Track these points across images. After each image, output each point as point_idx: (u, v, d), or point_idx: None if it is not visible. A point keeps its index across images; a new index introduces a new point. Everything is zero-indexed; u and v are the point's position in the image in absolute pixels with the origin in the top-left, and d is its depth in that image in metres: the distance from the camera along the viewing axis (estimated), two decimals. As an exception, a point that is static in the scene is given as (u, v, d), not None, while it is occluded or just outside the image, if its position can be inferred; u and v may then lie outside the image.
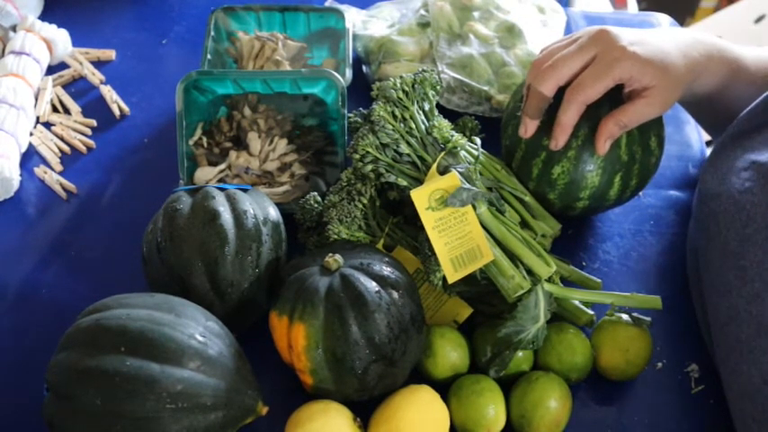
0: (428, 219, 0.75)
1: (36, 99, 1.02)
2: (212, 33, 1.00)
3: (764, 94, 0.79)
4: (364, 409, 0.73)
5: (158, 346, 0.65)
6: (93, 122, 1.02)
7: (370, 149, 0.79)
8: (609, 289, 0.84)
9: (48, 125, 1.02)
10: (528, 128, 0.80)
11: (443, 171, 0.78)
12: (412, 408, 0.72)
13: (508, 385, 0.76)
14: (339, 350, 0.69)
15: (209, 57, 0.97)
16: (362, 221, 0.81)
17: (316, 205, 0.83)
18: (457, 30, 1.02)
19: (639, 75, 0.75)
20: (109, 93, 1.05)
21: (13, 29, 1.07)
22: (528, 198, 0.83)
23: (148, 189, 0.93)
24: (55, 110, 1.04)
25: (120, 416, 0.63)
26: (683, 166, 0.99)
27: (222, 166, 0.90)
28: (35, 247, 0.90)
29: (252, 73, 0.94)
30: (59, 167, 0.97)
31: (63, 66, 1.08)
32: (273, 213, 0.79)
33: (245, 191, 0.80)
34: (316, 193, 0.84)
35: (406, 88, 0.80)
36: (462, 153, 0.81)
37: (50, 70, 1.07)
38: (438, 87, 0.83)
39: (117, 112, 1.03)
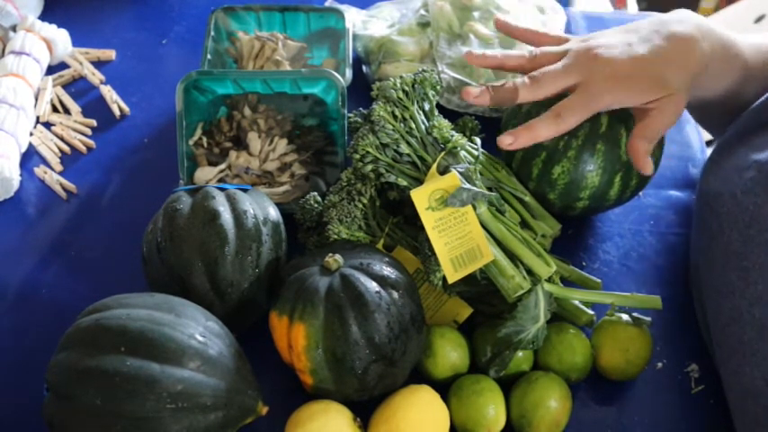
0: (428, 219, 0.75)
1: (36, 99, 1.02)
2: (212, 33, 1.00)
3: (766, 94, 0.78)
4: (364, 409, 0.73)
5: (158, 346, 0.65)
6: (93, 122, 1.02)
7: (370, 149, 0.79)
8: (609, 289, 0.84)
9: (48, 125, 1.02)
10: (480, 99, 0.78)
11: (443, 171, 0.78)
12: (412, 408, 0.72)
13: (508, 385, 0.76)
14: (339, 350, 0.69)
15: (209, 57, 0.97)
16: (362, 221, 0.81)
17: (316, 205, 0.83)
18: (457, 30, 1.02)
19: (626, 103, 0.76)
20: (109, 93, 1.05)
21: (13, 29, 1.07)
22: (528, 198, 0.83)
23: (148, 189, 0.93)
24: (55, 110, 1.04)
25: (120, 416, 0.63)
26: (683, 166, 0.99)
27: (222, 166, 0.90)
28: (35, 247, 0.90)
29: (252, 73, 0.94)
30: (59, 167, 0.97)
31: (63, 66, 1.08)
32: (273, 213, 0.79)
33: (245, 191, 0.80)
34: (316, 193, 0.84)
35: (406, 88, 0.80)
36: (462, 153, 0.81)
37: (50, 70, 1.07)
38: (438, 87, 0.83)
39: (117, 112, 1.03)
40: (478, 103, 0.78)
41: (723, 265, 0.75)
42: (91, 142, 1.00)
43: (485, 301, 0.81)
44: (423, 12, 1.05)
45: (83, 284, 0.87)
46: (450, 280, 0.76)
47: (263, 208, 0.79)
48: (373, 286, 0.71)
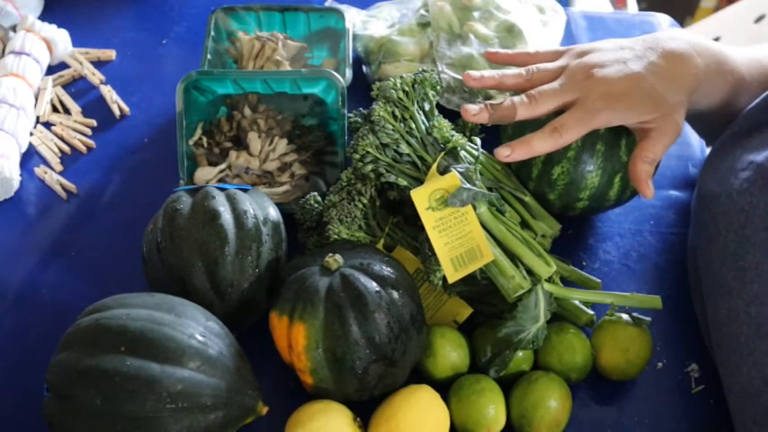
0: (428, 219, 0.75)
1: (36, 99, 1.02)
2: (212, 33, 1.00)
3: (764, 94, 0.79)
4: (364, 409, 0.73)
5: (158, 345, 0.65)
6: (93, 122, 1.02)
7: (370, 149, 0.79)
8: (609, 289, 0.84)
9: (48, 125, 1.02)
10: (479, 117, 0.78)
11: (443, 171, 0.78)
12: (412, 408, 0.72)
13: (508, 385, 0.76)
14: (339, 350, 0.69)
15: (209, 57, 0.97)
16: (362, 221, 0.81)
17: (316, 205, 0.83)
18: (457, 30, 1.02)
19: (623, 121, 0.76)
20: (109, 93, 1.05)
21: (13, 29, 1.07)
22: (528, 198, 0.83)
23: (148, 189, 0.93)
24: (55, 110, 1.04)
25: (120, 416, 0.63)
26: (683, 166, 0.99)
27: (222, 166, 0.90)
28: (35, 247, 0.90)
29: (252, 73, 0.95)
30: (59, 167, 0.97)
31: (63, 66, 1.08)
32: (273, 213, 0.79)
33: (245, 191, 0.80)
34: (316, 193, 0.84)
35: (406, 88, 0.80)
36: (462, 153, 0.81)
37: (50, 70, 1.07)
38: (438, 87, 0.83)
39: (117, 112, 1.03)
40: (477, 121, 0.79)
41: (720, 265, 0.75)
42: (91, 142, 1.00)
43: (485, 301, 0.81)
44: (423, 12, 1.05)
45: (83, 284, 0.87)
46: (451, 280, 0.76)
47: (263, 208, 0.79)
48: (373, 286, 0.71)
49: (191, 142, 0.92)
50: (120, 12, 1.17)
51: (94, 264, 0.89)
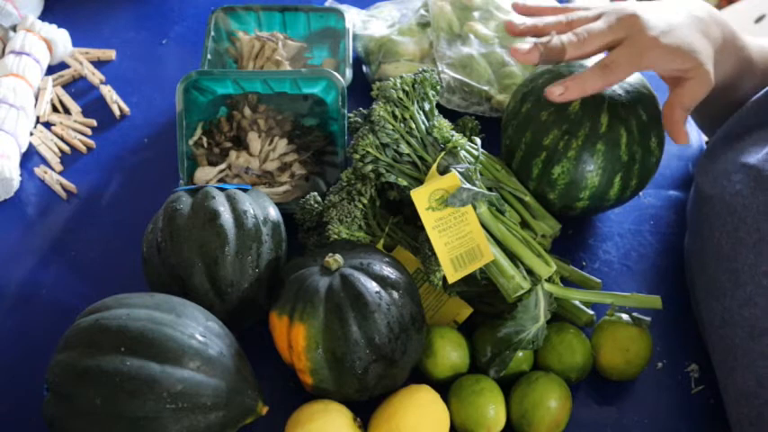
0: (428, 219, 0.75)
1: (36, 99, 1.02)
2: (212, 33, 1.00)
3: (755, 96, 0.79)
4: (364, 409, 0.73)
5: (158, 345, 0.65)
6: (93, 122, 1.02)
7: (370, 149, 0.79)
8: (609, 289, 0.84)
9: (48, 125, 1.02)
10: (530, 56, 0.77)
11: (443, 171, 0.78)
12: (412, 408, 0.72)
13: (508, 385, 0.76)
14: (339, 350, 0.69)
15: (209, 57, 0.97)
16: (362, 221, 0.81)
17: (316, 205, 0.83)
18: (457, 30, 1.02)
19: (668, 63, 0.75)
20: (109, 93, 1.05)
21: (13, 29, 1.07)
22: (528, 198, 0.83)
23: (148, 189, 0.94)
24: (55, 110, 1.04)
25: (120, 416, 0.63)
26: (682, 166, 0.99)
27: (222, 166, 0.90)
28: (35, 247, 0.90)
29: (252, 73, 0.94)
30: (59, 167, 0.97)
31: (63, 66, 1.08)
32: (273, 213, 0.79)
33: (245, 191, 0.80)
34: (316, 193, 0.84)
35: (406, 88, 0.80)
36: (462, 153, 0.81)
37: (50, 70, 1.07)
38: (438, 87, 0.83)
39: (117, 112, 1.03)
40: (527, 60, 0.77)
41: (714, 267, 0.75)
42: (91, 142, 1.00)
43: (485, 301, 0.81)
44: (423, 12, 1.05)
45: (83, 284, 0.87)
46: (451, 280, 0.76)
47: (263, 208, 0.79)
48: (373, 286, 0.71)
49: (191, 142, 0.92)
50: (120, 12, 1.17)
51: (94, 264, 0.89)
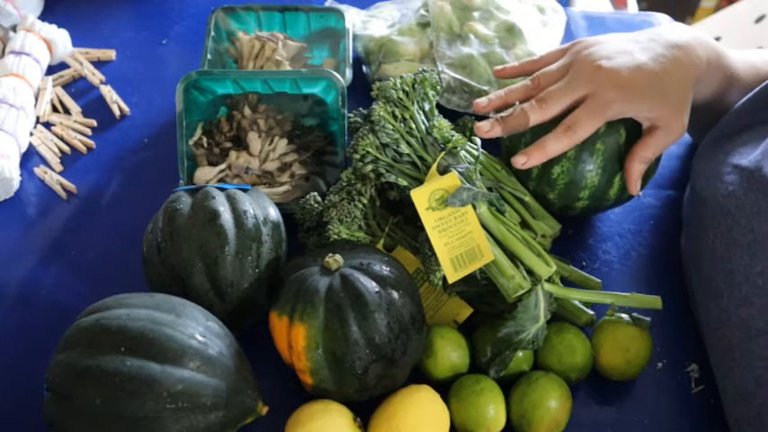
0: (428, 219, 0.75)
1: (36, 99, 1.03)
2: (212, 33, 1.00)
3: (745, 98, 0.79)
4: (364, 409, 0.73)
5: (158, 345, 0.65)
6: (93, 122, 1.02)
7: (370, 149, 0.79)
8: (609, 289, 0.84)
9: (48, 125, 1.02)
10: (492, 132, 0.79)
11: (443, 171, 0.78)
12: (412, 408, 0.72)
13: (508, 385, 0.76)
14: (339, 350, 0.69)
15: (209, 57, 0.98)
16: (362, 221, 0.81)
17: (316, 205, 0.83)
18: (457, 30, 1.02)
19: (633, 113, 0.76)
20: (109, 93, 1.05)
21: (13, 29, 1.07)
22: (528, 198, 0.83)
23: (148, 189, 0.94)
24: (55, 110, 1.04)
25: (120, 416, 0.63)
26: (683, 166, 0.99)
27: (222, 166, 0.90)
28: (35, 247, 0.90)
29: (252, 73, 0.94)
30: (59, 167, 0.97)
31: (63, 66, 1.08)
32: (273, 213, 0.79)
33: (245, 191, 0.80)
34: (316, 193, 0.84)
35: (406, 88, 0.80)
36: (462, 153, 0.81)
37: (50, 70, 1.07)
38: (438, 87, 0.83)
39: (117, 112, 1.03)
40: (491, 136, 0.80)
41: (709, 268, 0.75)
42: (91, 142, 1.00)
43: (485, 301, 0.81)
44: (423, 12, 1.05)
45: (83, 284, 0.87)
46: (451, 280, 0.76)
47: (263, 208, 0.79)
48: (373, 286, 0.71)
49: (191, 142, 0.92)
50: (120, 12, 1.17)
51: (94, 264, 0.89)
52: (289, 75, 0.93)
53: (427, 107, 0.82)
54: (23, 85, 1.00)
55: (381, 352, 0.70)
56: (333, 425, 0.70)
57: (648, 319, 0.79)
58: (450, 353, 0.77)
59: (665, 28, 0.81)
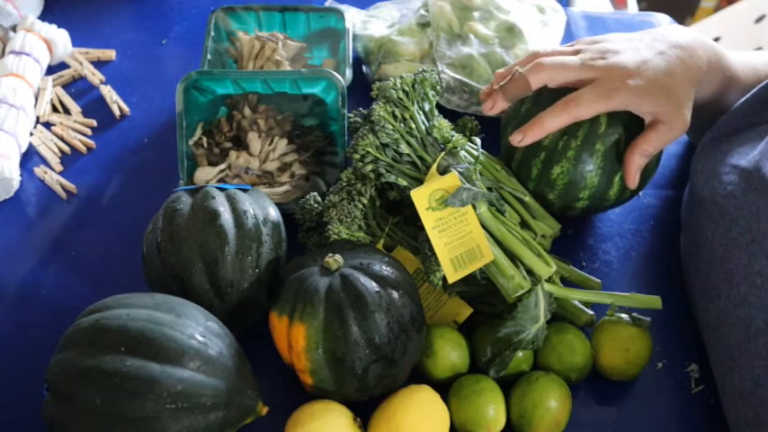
0: (428, 219, 0.75)
1: (36, 99, 1.03)
2: (212, 33, 1.00)
3: (744, 98, 0.79)
4: (364, 409, 0.73)
5: (158, 346, 0.65)
6: (93, 122, 1.02)
7: (370, 149, 0.79)
8: (609, 289, 0.84)
9: (48, 125, 1.02)
10: (497, 106, 0.80)
11: (443, 171, 0.78)
12: (412, 408, 0.72)
13: (508, 385, 0.76)
14: (339, 350, 0.69)
15: (209, 57, 0.98)
16: (362, 221, 0.81)
17: (316, 205, 0.83)
18: (457, 30, 1.02)
19: (637, 106, 0.77)
20: (109, 93, 1.05)
21: (13, 29, 1.07)
22: (528, 198, 0.83)
23: (148, 189, 0.94)
24: (55, 110, 1.04)
25: (120, 416, 0.63)
26: (682, 166, 0.99)
27: (222, 166, 0.90)
28: (35, 247, 0.90)
29: (252, 73, 0.94)
30: (59, 167, 0.97)
31: (63, 66, 1.08)
32: (273, 213, 0.79)
33: (245, 191, 0.80)
34: (316, 193, 0.84)
35: (406, 88, 0.80)
36: (462, 153, 0.81)
37: (50, 70, 1.07)
38: (438, 87, 0.83)
39: (117, 112, 1.03)
40: (495, 109, 0.80)
41: (708, 268, 0.75)
42: (91, 142, 1.00)
43: (485, 301, 0.81)
44: (423, 12, 1.05)
45: (83, 284, 0.87)
46: (451, 280, 0.76)
47: (263, 208, 0.79)
48: (373, 286, 0.71)
49: (191, 142, 0.92)
50: (120, 12, 1.17)
51: (94, 264, 0.89)
52: (289, 75, 0.93)
53: (427, 107, 0.82)
54: (23, 85, 1.00)
55: (381, 352, 0.70)
56: (333, 425, 0.70)
57: (648, 319, 0.79)
58: (450, 353, 0.77)
59: (667, 29, 0.82)
